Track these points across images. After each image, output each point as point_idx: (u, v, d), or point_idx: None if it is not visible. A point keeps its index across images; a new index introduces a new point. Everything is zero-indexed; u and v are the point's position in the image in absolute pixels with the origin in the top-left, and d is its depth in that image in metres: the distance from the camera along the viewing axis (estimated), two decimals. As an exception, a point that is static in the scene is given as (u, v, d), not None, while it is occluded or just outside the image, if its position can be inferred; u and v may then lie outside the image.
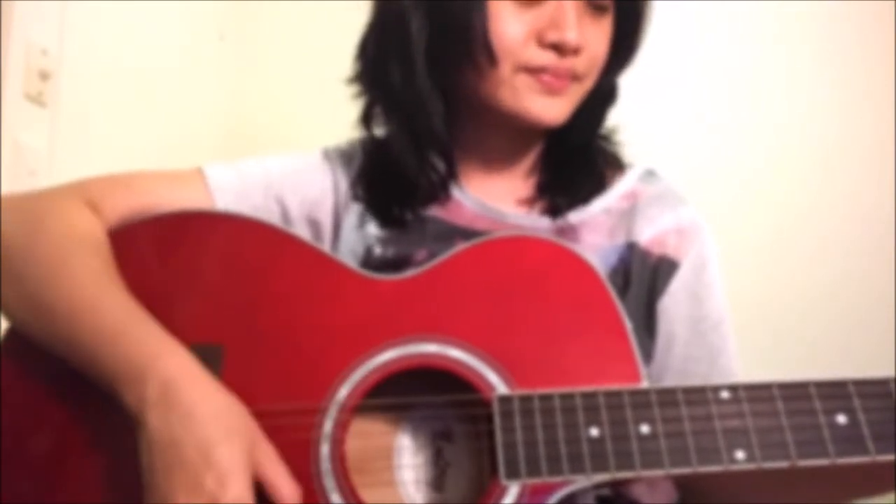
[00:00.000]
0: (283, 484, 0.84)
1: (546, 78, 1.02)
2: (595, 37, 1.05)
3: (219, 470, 0.81)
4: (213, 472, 0.81)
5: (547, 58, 1.02)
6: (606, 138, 1.15)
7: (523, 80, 1.03)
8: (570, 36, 1.00)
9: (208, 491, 0.80)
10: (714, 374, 1.06)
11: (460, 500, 0.94)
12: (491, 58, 1.01)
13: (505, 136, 1.10)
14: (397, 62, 1.07)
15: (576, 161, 1.12)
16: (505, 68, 1.02)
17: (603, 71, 1.08)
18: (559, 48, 1.01)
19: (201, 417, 0.83)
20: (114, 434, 0.90)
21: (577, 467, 0.85)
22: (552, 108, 1.04)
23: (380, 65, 1.09)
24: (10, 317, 0.96)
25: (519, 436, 0.87)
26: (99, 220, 0.99)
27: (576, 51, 1.02)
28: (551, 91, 1.03)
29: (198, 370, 0.87)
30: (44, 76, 1.63)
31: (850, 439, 0.83)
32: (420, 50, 1.05)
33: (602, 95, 1.11)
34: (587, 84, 1.06)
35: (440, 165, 1.09)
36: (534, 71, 1.02)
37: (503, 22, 1.01)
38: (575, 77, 1.04)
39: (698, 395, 0.86)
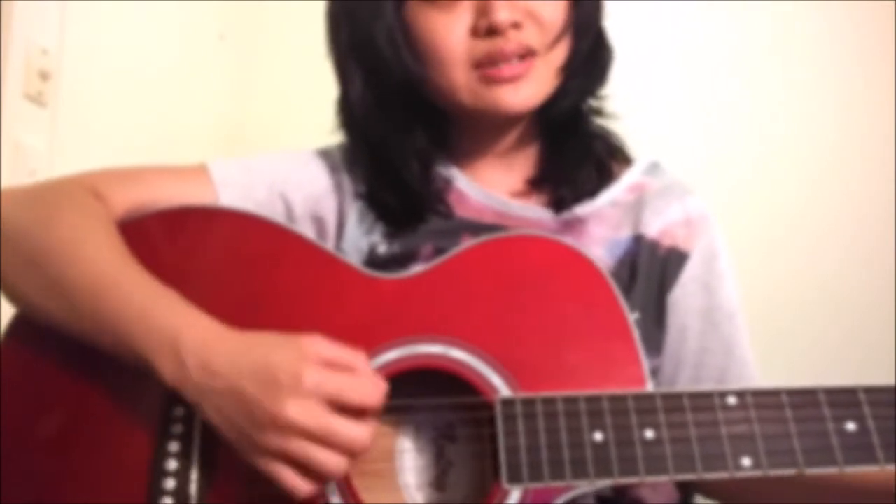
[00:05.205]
0: (344, 352, 0.85)
1: (497, 71, 1.00)
2: (542, 4, 1.01)
3: (285, 366, 0.82)
4: (281, 370, 0.81)
5: (489, 45, 1.00)
6: (600, 112, 1.12)
7: (478, 78, 1.01)
8: (501, 17, 0.99)
9: (289, 385, 0.81)
10: (731, 366, 1.06)
11: (461, 499, 0.93)
12: (442, 66, 1.02)
13: (491, 129, 1.10)
14: (360, 116, 1.09)
15: (572, 144, 1.11)
16: (458, 73, 1.02)
17: (572, 36, 1.05)
18: (495, 32, 0.99)
19: (244, 352, 0.84)
20: (125, 416, 0.91)
21: (580, 472, 0.84)
22: (518, 94, 1.02)
23: (346, 116, 1.12)
24: (25, 303, 0.96)
25: (521, 440, 0.86)
26: (106, 209, 0.99)
27: (515, 27, 1.00)
28: (510, 79, 1.01)
29: (223, 329, 0.87)
30: (44, 76, 1.62)
31: (859, 447, 0.82)
32: (361, 99, 1.07)
33: (582, 56, 1.07)
34: (553, 59, 1.03)
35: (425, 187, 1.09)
36: (485, 65, 1.01)
37: (435, 32, 1.01)
38: (531, 52, 1.01)
39: (705, 401, 0.85)
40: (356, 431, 0.81)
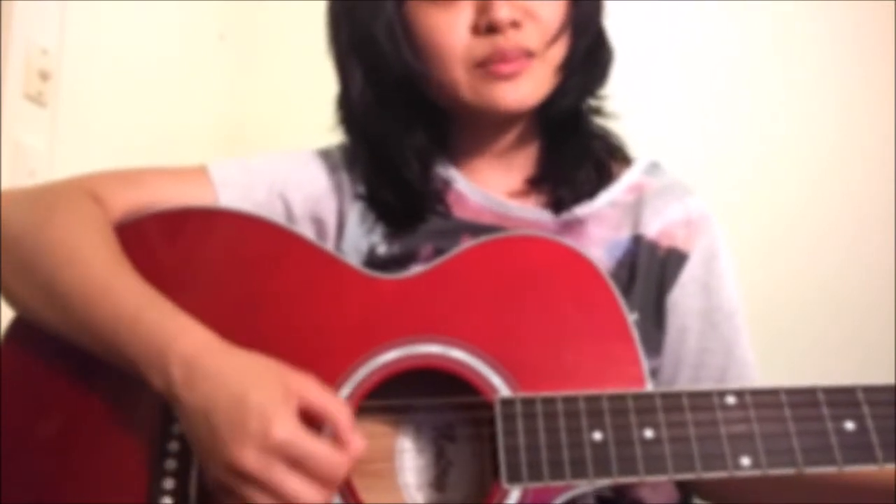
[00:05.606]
0: (331, 404, 0.83)
1: (497, 67, 1.01)
2: (541, 4, 1.02)
3: (259, 410, 0.80)
4: (254, 414, 0.79)
5: (490, 43, 1.00)
6: (600, 111, 1.12)
7: (478, 75, 1.02)
8: (501, 14, 0.99)
9: (255, 433, 0.79)
10: (731, 366, 1.06)
11: (461, 499, 0.93)
12: (442, 63, 1.02)
13: (491, 128, 1.10)
14: (360, 113, 1.09)
15: (571, 144, 1.11)
16: (458, 70, 1.02)
17: (571, 35, 1.05)
18: (495, 30, 1.00)
19: (227, 377, 0.83)
20: (125, 416, 0.91)
21: (579, 472, 0.84)
22: (515, 92, 1.02)
23: (346, 113, 1.12)
24: (22, 307, 0.96)
25: (521, 439, 0.86)
26: (104, 212, 0.99)
27: (515, 25, 1.00)
28: (508, 76, 1.01)
29: (215, 342, 0.86)
30: (44, 76, 1.62)
31: (858, 446, 0.82)
32: (361, 96, 1.08)
33: (581, 55, 1.07)
34: (551, 57, 1.04)
35: (425, 183, 1.09)
36: (484, 63, 1.01)
37: (436, 29, 1.02)
38: (529, 53, 1.01)
39: (704, 400, 0.85)
40: (308, 496, 0.79)
